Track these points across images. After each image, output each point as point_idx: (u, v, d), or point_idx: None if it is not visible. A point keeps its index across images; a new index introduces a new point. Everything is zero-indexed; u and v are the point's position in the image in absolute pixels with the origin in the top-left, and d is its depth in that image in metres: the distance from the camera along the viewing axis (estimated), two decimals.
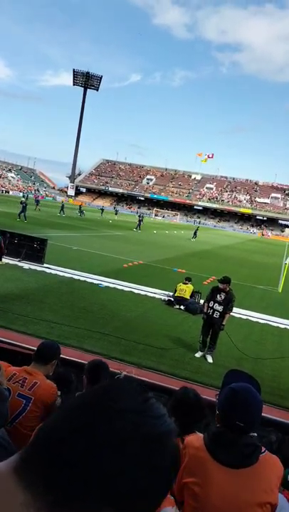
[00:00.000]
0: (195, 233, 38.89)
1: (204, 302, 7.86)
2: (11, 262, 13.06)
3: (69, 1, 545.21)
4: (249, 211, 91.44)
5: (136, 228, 36.92)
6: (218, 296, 7.48)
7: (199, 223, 40.42)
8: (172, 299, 11.11)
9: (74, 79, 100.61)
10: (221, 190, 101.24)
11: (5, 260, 12.80)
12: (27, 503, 0.48)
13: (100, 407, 0.55)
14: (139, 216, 39.95)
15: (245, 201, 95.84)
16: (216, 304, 7.43)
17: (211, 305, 7.48)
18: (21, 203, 28.89)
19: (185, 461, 1.89)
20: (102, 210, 58.80)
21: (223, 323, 7.45)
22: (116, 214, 58.31)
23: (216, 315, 7.41)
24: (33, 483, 0.50)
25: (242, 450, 1.78)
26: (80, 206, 49.68)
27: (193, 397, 2.65)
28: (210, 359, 7.36)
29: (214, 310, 7.42)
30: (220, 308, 7.41)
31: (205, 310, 7.61)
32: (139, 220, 37.74)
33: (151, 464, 0.53)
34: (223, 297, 7.45)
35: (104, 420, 0.53)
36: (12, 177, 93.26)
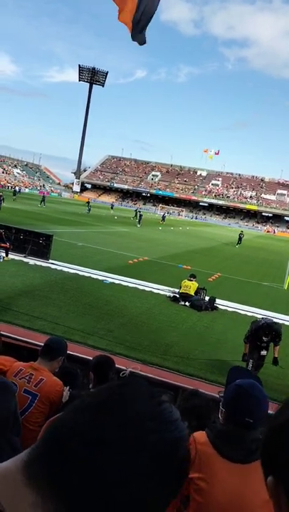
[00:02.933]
0: (240, 238, 34.92)
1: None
2: (17, 257, 13.11)
3: None
4: (255, 208, 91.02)
5: (137, 222, 38.18)
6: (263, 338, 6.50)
7: (241, 232, 37.43)
8: (177, 296, 11.11)
9: (80, 75, 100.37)
10: (227, 186, 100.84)
11: (11, 256, 12.84)
12: (36, 504, 0.47)
13: (112, 410, 0.53)
14: (139, 211, 41.41)
15: (251, 198, 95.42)
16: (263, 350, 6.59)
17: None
18: None
19: (191, 457, 1.89)
20: (112, 206, 61.24)
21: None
22: (112, 208, 58.99)
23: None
24: (41, 484, 0.48)
25: (249, 446, 1.78)
26: (88, 202, 50.95)
27: (205, 401, 2.66)
28: None
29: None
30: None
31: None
32: (140, 216, 38.97)
33: (164, 470, 0.52)
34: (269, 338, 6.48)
35: (117, 425, 0.52)
36: (18, 173, 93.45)
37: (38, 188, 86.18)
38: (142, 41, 4.47)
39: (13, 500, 0.48)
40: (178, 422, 0.56)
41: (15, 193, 47.29)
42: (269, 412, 1.99)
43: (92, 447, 0.50)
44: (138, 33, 4.36)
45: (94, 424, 0.52)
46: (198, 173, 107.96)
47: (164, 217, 51.74)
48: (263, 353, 6.52)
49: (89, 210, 45.28)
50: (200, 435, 1.96)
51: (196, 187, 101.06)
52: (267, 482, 0.61)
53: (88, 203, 51.10)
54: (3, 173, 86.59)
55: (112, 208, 59.94)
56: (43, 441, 0.53)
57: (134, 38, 4.38)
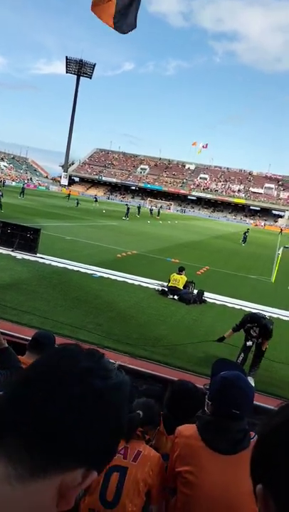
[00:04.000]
0: (245, 237, 33.06)
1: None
2: (4, 251, 12.99)
3: None
4: (243, 201, 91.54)
5: (125, 215, 38.63)
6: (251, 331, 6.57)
7: (247, 230, 35.91)
8: (166, 289, 11.14)
9: (67, 66, 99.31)
10: (215, 180, 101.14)
11: None
12: (7, 473, 0.52)
13: (65, 369, 0.60)
14: (127, 205, 42.77)
15: (239, 191, 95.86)
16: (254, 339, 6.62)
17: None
18: None
19: (177, 451, 1.91)
20: (96, 199, 61.17)
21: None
22: (96, 201, 59.26)
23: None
24: (11, 452, 0.53)
25: (235, 436, 1.81)
26: (68, 195, 54.00)
27: (193, 388, 2.68)
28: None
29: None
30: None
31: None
32: (127, 209, 39.69)
33: (117, 411, 0.61)
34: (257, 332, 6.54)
35: (73, 380, 0.58)
36: (4, 166, 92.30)
37: (25, 182, 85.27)
38: (130, 28, 4.43)
39: None
40: (115, 370, 0.65)
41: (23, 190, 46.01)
42: (255, 403, 2.02)
43: (54, 403, 0.56)
44: (124, 21, 4.33)
45: (51, 385, 0.58)
46: (187, 167, 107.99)
47: (151, 210, 54.28)
48: (249, 343, 6.58)
49: (77, 203, 45.06)
50: (185, 428, 1.98)
51: (184, 180, 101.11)
52: (256, 491, 0.61)
53: (69, 195, 53.50)
54: None
55: (95, 200, 60.06)
56: (4, 413, 0.57)
57: (118, 27, 4.34)
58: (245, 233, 33.82)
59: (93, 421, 0.58)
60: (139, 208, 50.83)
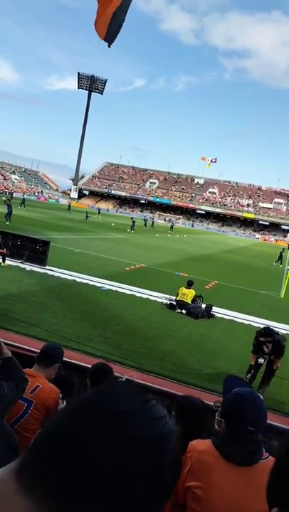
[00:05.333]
0: (281, 257, 30.90)
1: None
2: (14, 263, 13.07)
3: (74, 6, 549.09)
4: (252, 216, 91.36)
5: (131, 228, 39.13)
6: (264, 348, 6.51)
7: (283, 250, 33.62)
8: (174, 303, 11.09)
9: (79, 82, 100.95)
10: (224, 194, 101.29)
11: (8, 262, 12.81)
12: (29, 509, 0.48)
13: (100, 409, 0.55)
14: (132, 218, 43.17)
15: (247, 206, 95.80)
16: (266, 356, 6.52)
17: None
18: (5, 203, 27.24)
19: (189, 465, 1.89)
20: (99, 211, 64.06)
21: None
22: (99, 213, 60.76)
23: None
24: (34, 489, 0.49)
25: (249, 447, 1.79)
26: (69, 207, 57.79)
27: (200, 405, 2.64)
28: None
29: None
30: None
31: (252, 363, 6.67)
32: (133, 222, 40.22)
33: (153, 466, 0.53)
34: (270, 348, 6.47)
35: (106, 423, 0.53)
36: (16, 179, 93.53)
37: (36, 194, 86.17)
38: (111, 41, 4.60)
39: (5, 508, 0.49)
40: (166, 419, 0.57)
41: (23, 201, 46.73)
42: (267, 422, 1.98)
43: (82, 448, 0.51)
44: (112, 35, 4.49)
45: (83, 425, 0.53)
46: (196, 181, 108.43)
47: (172, 226, 56.07)
48: (260, 360, 6.49)
49: (86, 216, 45.37)
50: (199, 443, 1.95)
51: (193, 195, 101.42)
52: None
53: (69, 206, 57.62)
54: (1, 179, 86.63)
55: (98, 212, 61.26)
56: (32, 448, 0.54)
57: (107, 39, 4.51)
58: (281, 252, 31.70)
59: (119, 471, 0.51)
60: (145, 220, 53.55)
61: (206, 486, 1.79)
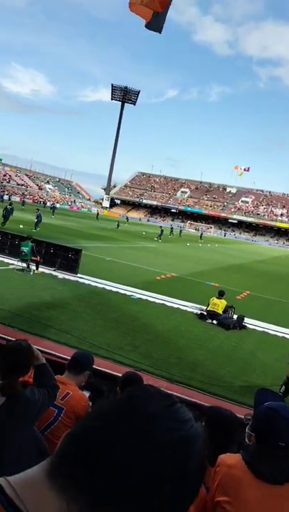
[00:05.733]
0: None
1: None
2: (47, 271, 13.34)
3: (110, 19, 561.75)
4: (286, 225, 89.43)
5: (158, 237, 39.51)
6: None
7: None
8: (205, 313, 10.96)
9: (112, 93, 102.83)
10: (257, 203, 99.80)
11: (41, 269, 13.09)
12: (61, 507, 0.51)
13: (129, 412, 0.57)
14: (161, 227, 43.54)
15: (281, 215, 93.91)
16: None
17: None
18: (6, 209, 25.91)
19: (218, 480, 1.84)
20: (127, 219, 66.16)
21: None
22: (127, 220, 62.40)
23: None
24: (66, 489, 0.52)
25: (280, 464, 1.73)
26: (97, 215, 59.76)
27: (230, 416, 2.58)
28: None
29: None
30: None
31: None
32: (161, 231, 40.78)
33: (180, 468, 0.55)
34: None
35: (135, 426, 0.55)
36: (50, 188, 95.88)
37: (69, 204, 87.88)
38: (159, 28, 4.69)
39: (39, 505, 0.51)
40: (191, 421, 0.59)
41: (54, 209, 48.93)
42: None
43: (111, 451, 0.53)
44: (157, 21, 4.60)
45: (111, 430, 0.55)
46: (228, 190, 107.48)
47: (201, 235, 57.02)
48: None
49: (118, 225, 45.85)
50: (228, 457, 1.91)
51: (225, 204, 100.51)
52: None
53: (98, 215, 59.62)
54: (36, 188, 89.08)
55: (127, 220, 62.48)
56: (63, 449, 0.56)
57: (151, 26, 4.61)
58: None
59: (148, 473, 0.53)
60: (171, 229, 52.98)
61: (235, 501, 1.74)
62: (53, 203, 62.07)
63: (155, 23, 4.59)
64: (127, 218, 65.87)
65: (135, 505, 0.52)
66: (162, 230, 41.10)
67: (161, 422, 0.56)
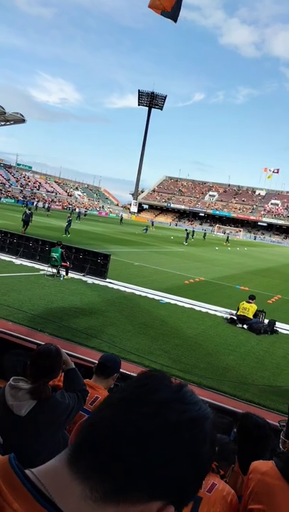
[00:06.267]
0: None
1: None
2: (76, 276, 13.52)
3: (136, 26, 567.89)
4: None
5: (185, 241, 39.44)
6: None
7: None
8: (235, 318, 10.80)
9: (139, 99, 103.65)
10: (288, 206, 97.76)
11: (70, 275, 13.28)
12: (84, 494, 0.54)
13: (140, 400, 0.60)
14: (186, 230, 44.02)
15: None
16: None
17: None
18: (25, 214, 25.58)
19: (251, 487, 1.80)
20: (152, 223, 65.74)
21: None
22: (152, 225, 61.22)
23: None
24: (87, 476, 0.55)
25: None
26: (121, 219, 60.38)
27: (263, 423, 2.52)
28: None
29: None
30: None
31: None
32: (187, 235, 40.80)
33: (194, 449, 0.59)
34: None
35: (147, 412, 0.58)
36: (78, 194, 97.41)
37: (97, 209, 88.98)
38: (175, 17, 4.82)
39: (62, 492, 0.55)
40: (200, 403, 0.63)
41: (79, 215, 49.92)
42: None
43: (128, 436, 0.56)
44: (175, 12, 4.74)
45: (126, 416, 0.58)
46: (257, 193, 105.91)
47: (228, 238, 55.63)
48: None
49: (146, 230, 46.02)
50: (261, 464, 1.86)
51: (254, 207, 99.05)
52: None
53: (121, 219, 60.30)
54: (66, 195, 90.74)
55: (152, 224, 61.99)
56: (82, 438, 0.59)
57: (169, 15, 4.74)
58: None
59: (166, 457, 0.56)
60: (192, 233, 47.85)
61: (269, 509, 1.69)
62: (79, 209, 63.28)
63: (170, 13, 4.67)
64: (152, 222, 65.90)
65: (153, 489, 0.56)
66: (188, 233, 41.18)
67: (172, 405, 0.59)
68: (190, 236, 42.18)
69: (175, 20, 4.79)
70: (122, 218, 62.62)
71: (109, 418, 0.59)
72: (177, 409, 0.59)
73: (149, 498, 0.56)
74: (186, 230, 45.34)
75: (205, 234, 56.95)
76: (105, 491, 0.54)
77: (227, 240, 53.76)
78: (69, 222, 27.81)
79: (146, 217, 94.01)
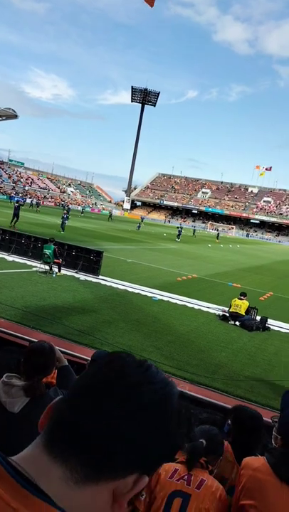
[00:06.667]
0: None
1: None
2: (69, 273, 13.49)
3: (129, 23, 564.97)
4: None
5: (177, 237, 39.65)
6: None
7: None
8: (227, 314, 10.86)
9: (132, 95, 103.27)
10: (280, 203, 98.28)
11: (63, 271, 13.24)
12: (65, 476, 0.56)
13: (111, 385, 0.62)
14: (178, 227, 43.77)
15: None
16: None
17: None
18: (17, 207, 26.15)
19: (242, 483, 1.82)
20: (142, 219, 64.97)
21: None
22: (142, 221, 60.17)
23: None
24: (66, 459, 0.57)
25: None
26: (110, 215, 59.72)
27: (257, 415, 2.55)
28: None
29: None
30: None
31: None
32: (179, 231, 40.72)
33: (165, 424, 0.62)
34: None
35: (119, 397, 0.60)
36: (71, 191, 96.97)
37: (90, 206, 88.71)
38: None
39: (43, 475, 0.56)
40: (166, 380, 0.66)
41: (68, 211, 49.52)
42: None
43: (101, 421, 0.59)
44: None
45: (98, 402, 0.60)
46: (250, 190, 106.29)
47: (218, 235, 56.10)
48: None
49: (139, 227, 45.98)
50: (253, 460, 1.88)
51: (246, 204, 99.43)
52: None
53: (110, 215, 59.63)
54: (58, 191, 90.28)
55: (142, 220, 61.31)
56: (56, 423, 0.61)
57: None
58: None
59: (141, 434, 0.60)
60: (179, 230, 42.74)
61: (261, 505, 1.71)
62: (68, 206, 62.48)
63: None
64: (142, 218, 65.33)
65: (130, 466, 0.60)
66: (180, 230, 41.11)
67: (142, 388, 0.62)
68: (181, 233, 41.46)
69: (151, 5, 4.74)
70: (110, 214, 61.73)
71: (81, 404, 0.61)
72: (147, 390, 0.62)
73: (126, 474, 0.60)
74: (179, 226, 45.41)
75: (194, 230, 56.71)
76: (85, 473, 0.57)
77: (217, 237, 54.08)
78: (65, 219, 27.88)
79: (140, 214, 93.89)
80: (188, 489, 1.96)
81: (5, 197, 65.23)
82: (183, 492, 1.95)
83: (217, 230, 69.59)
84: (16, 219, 25.21)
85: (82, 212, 50.61)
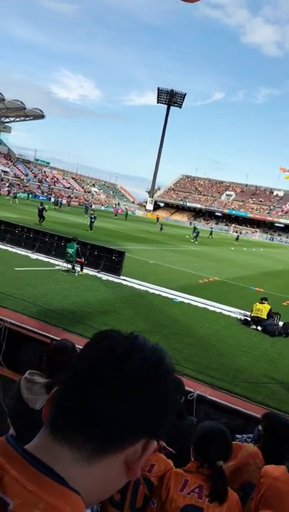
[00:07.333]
0: None
1: None
2: (91, 272, 13.59)
3: (154, 25, 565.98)
4: None
5: (194, 239, 39.20)
6: None
7: None
8: (248, 319, 10.72)
9: (158, 97, 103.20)
10: None
11: (85, 271, 13.35)
12: (75, 457, 0.58)
13: (99, 359, 0.63)
14: (195, 228, 43.42)
15: None
16: None
17: None
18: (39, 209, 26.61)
19: (262, 491, 1.79)
20: (158, 219, 65.04)
21: None
22: (157, 221, 60.38)
23: None
24: (73, 440, 0.58)
25: None
26: (126, 214, 60.23)
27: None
28: None
29: None
30: None
31: None
32: (196, 233, 40.01)
33: (161, 387, 0.64)
34: None
35: (100, 373, 0.62)
36: (95, 191, 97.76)
37: (113, 206, 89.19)
38: None
39: (56, 459, 0.58)
40: (154, 346, 0.69)
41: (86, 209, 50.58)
42: None
43: (99, 396, 0.60)
44: None
45: (89, 377, 0.62)
46: (275, 193, 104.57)
47: (238, 237, 55.54)
48: None
49: (161, 228, 45.91)
50: (273, 469, 1.84)
51: (271, 207, 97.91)
52: None
53: (126, 214, 60.13)
54: (82, 191, 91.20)
55: (157, 220, 61.22)
56: (57, 408, 0.63)
57: None
58: None
59: (139, 402, 0.61)
60: (197, 232, 41.67)
61: None
62: (86, 205, 62.39)
63: None
64: (158, 219, 65.04)
65: (135, 434, 0.61)
66: (198, 232, 40.35)
67: (133, 355, 0.64)
68: (199, 234, 40.04)
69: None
70: (126, 214, 61.70)
71: (76, 385, 0.62)
72: (137, 358, 0.64)
73: (134, 442, 0.62)
74: (195, 227, 44.84)
75: (211, 232, 53.93)
76: (94, 448, 0.59)
77: (237, 239, 53.35)
78: (93, 219, 28.49)
79: (162, 215, 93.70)
80: (200, 503, 1.90)
81: (30, 196, 65.75)
82: (195, 507, 1.90)
83: (236, 233, 68.68)
84: (42, 219, 25.91)
85: (115, 215, 51.70)
